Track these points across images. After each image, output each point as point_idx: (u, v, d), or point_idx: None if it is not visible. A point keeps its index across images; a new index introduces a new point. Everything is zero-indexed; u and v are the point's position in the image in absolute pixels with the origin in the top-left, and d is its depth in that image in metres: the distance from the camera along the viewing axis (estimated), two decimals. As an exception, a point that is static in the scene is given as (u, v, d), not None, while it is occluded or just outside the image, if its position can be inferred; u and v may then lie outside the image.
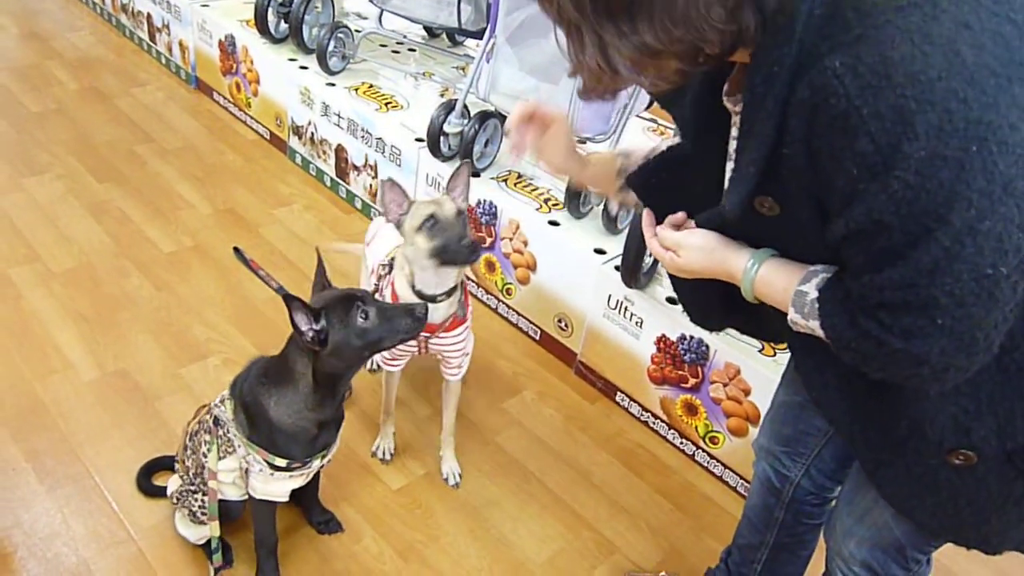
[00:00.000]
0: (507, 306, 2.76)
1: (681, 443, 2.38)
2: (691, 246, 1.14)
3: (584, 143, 3.00)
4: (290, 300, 1.48)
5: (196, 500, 1.75)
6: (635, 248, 2.21)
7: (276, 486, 1.70)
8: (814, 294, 0.99)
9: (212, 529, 1.72)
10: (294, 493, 1.89)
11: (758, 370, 2.11)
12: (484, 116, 2.69)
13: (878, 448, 1.12)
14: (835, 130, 0.83)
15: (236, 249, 1.71)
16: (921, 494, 1.11)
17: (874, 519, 1.28)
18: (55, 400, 2.22)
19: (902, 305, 0.87)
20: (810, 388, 1.18)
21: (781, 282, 1.05)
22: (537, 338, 2.70)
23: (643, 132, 3.24)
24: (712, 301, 1.23)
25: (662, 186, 1.23)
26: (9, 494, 1.96)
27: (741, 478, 2.25)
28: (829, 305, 0.97)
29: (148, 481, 2.02)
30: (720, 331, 1.41)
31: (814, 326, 1.00)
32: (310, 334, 1.51)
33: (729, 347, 2.16)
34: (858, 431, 1.13)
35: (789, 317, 1.04)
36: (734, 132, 1.06)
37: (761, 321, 1.18)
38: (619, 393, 2.50)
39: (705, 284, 1.18)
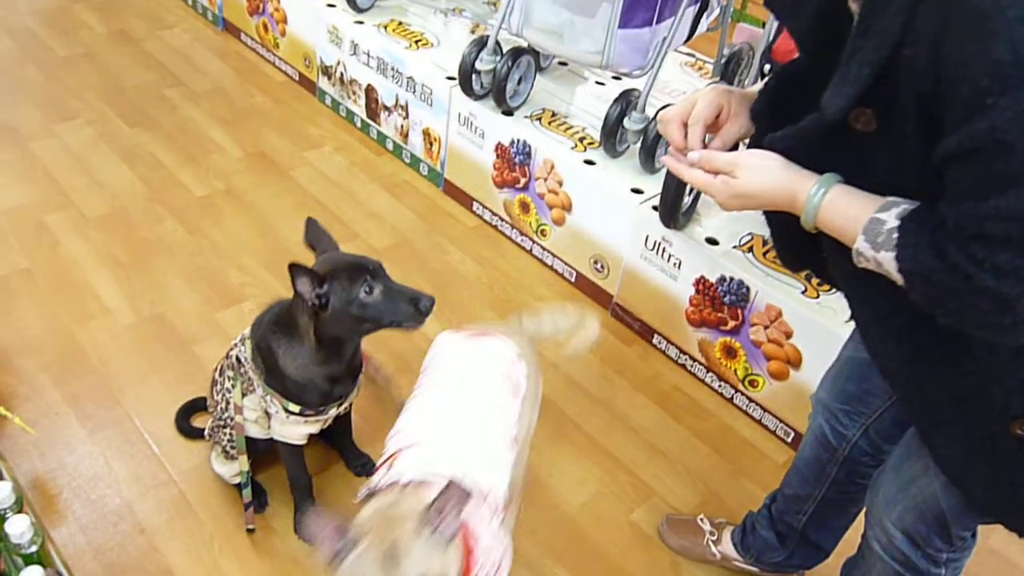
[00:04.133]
0: (542, 247, 2.72)
1: (719, 386, 2.34)
2: (750, 166, 1.06)
3: (619, 78, 2.92)
4: (294, 268, 1.45)
5: (225, 435, 1.77)
6: (674, 187, 2.15)
7: (291, 429, 1.70)
8: (894, 223, 0.93)
9: (241, 463, 1.74)
10: (328, 436, 1.89)
11: (801, 312, 2.06)
12: (517, 52, 2.61)
13: (936, 405, 1.06)
14: (971, 33, 0.76)
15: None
16: (976, 462, 1.06)
17: (920, 489, 1.23)
18: (94, 345, 2.24)
19: (1002, 239, 0.81)
20: (867, 339, 1.12)
21: (853, 209, 0.98)
22: (573, 280, 2.66)
23: (680, 67, 3.15)
24: (798, 235, 1.12)
25: (784, 111, 1.12)
26: (52, 437, 1.99)
27: (781, 422, 2.22)
28: (912, 235, 0.90)
29: (187, 422, 2.04)
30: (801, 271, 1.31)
31: (884, 258, 0.93)
32: (313, 298, 1.49)
33: (771, 288, 2.11)
34: (915, 386, 1.08)
35: (855, 247, 0.97)
36: None
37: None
38: (656, 335, 2.46)
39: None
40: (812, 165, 1.04)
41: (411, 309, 1.53)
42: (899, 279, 0.94)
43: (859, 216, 0.97)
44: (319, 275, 1.49)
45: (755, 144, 1.17)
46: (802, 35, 1.09)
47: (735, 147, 1.21)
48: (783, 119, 1.09)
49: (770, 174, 1.05)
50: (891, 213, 0.94)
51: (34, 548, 1.37)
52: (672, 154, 1.17)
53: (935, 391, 1.05)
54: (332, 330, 1.54)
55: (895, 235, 0.92)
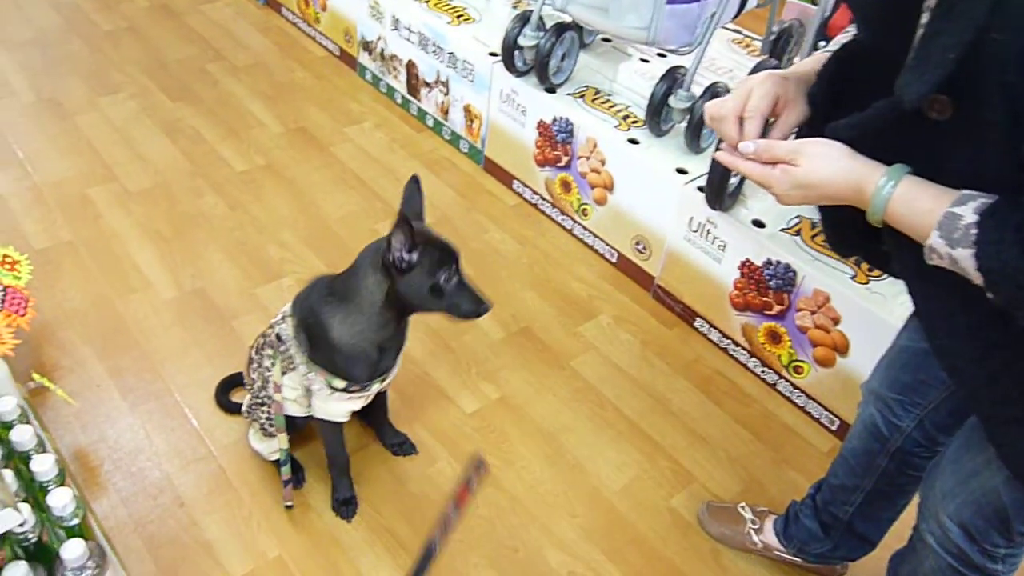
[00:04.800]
0: (583, 227, 2.68)
1: (763, 372, 2.30)
2: (813, 154, 1.00)
3: (665, 56, 2.86)
4: (403, 219, 1.43)
5: (263, 413, 1.77)
6: (722, 168, 2.09)
7: (335, 406, 1.69)
8: (972, 218, 0.87)
9: (280, 441, 1.74)
10: (365, 414, 1.88)
11: (849, 297, 2.00)
12: (561, 28, 2.56)
13: (1006, 404, 1.01)
14: None
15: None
16: None
17: (981, 483, 1.18)
18: (135, 318, 2.25)
19: None
20: (933, 335, 1.07)
21: (926, 203, 0.92)
22: (614, 260, 2.62)
23: (727, 44, 3.07)
24: (850, 220, 1.07)
25: (845, 95, 1.06)
26: (94, 410, 2.01)
27: (826, 409, 2.17)
28: (993, 232, 0.85)
29: (226, 397, 2.04)
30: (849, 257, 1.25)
31: (961, 256, 0.88)
32: (400, 256, 1.47)
33: (819, 273, 2.05)
34: (984, 384, 1.02)
35: (928, 243, 0.91)
36: (924, 18, 0.90)
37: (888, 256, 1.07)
38: (698, 319, 2.41)
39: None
40: (878, 155, 0.98)
41: (471, 308, 1.55)
42: (976, 278, 0.88)
43: (932, 210, 0.91)
44: (416, 241, 1.47)
45: (811, 130, 1.12)
46: (867, 13, 1.04)
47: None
48: (844, 103, 1.03)
49: (835, 164, 0.99)
50: (968, 207, 0.88)
51: (76, 521, 1.37)
52: (726, 149, 1.12)
53: (1007, 389, 1.00)
54: (401, 292, 1.53)
55: (973, 231, 0.87)
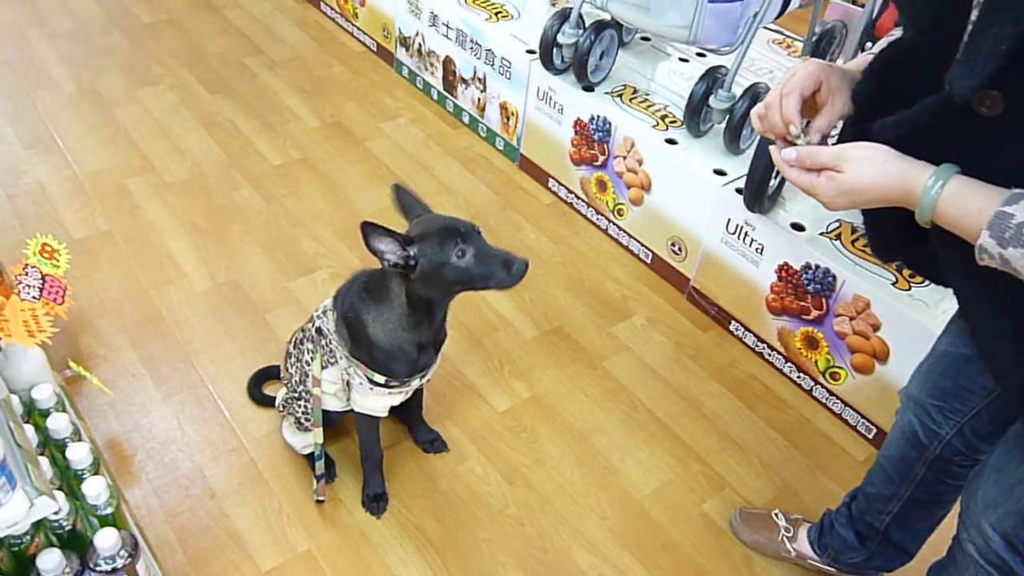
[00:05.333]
0: (618, 227, 2.65)
1: (799, 377, 2.26)
2: (857, 158, 0.98)
3: (704, 55, 2.83)
4: (366, 227, 1.41)
5: (300, 407, 1.77)
6: (761, 169, 2.06)
7: (374, 401, 1.69)
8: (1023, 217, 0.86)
9: (316, 436, 1.74)
10: (398, 411, 1.88)
11: (890, 304, 1.96)
12: (600, 26, 2.54)
13: None
14: None
15: None
16: None
17: None
18: (170, 309, 2.26)
19: None
20: (979, 338, 1.05)
21: (976, 202, 0.90)
22: (648, 261, 2.59)
23: (768, 45, 3.03)
24: (895, 223, 1.05)
25: (890, 94, 1.05)
26: (128, 399, 2.02)
27: (863, 417, 2.13)
28: None
29: (258, 389, 2.05)
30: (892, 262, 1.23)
31: (1013, 255, 0.86)
32: (392, 258, 1.46)
33: (859, 278, 2.01)
34: None
35: (979, 243, 0.89)
36: (974, 15, 0.89)
37: (932, 260, 1.04)
38: (733, 322, 2.38)
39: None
40: (926, 153, 0.96)
41: (503, 273, 1.49)
42: None
43: (983, 210, 0.89)
44: (406, 238, 1.46)
45: (856, 128, 1.09)
46: (915, 12, 1.01)
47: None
48: (890, 103, 1.01)
49: (880, 166, 0.97)
50: (1020, 206, 0.86)
51: (109, 510, 1.38)
52: (780, 144, 1.09)
53: None
54: (422, 292, 1.52)
55: None
